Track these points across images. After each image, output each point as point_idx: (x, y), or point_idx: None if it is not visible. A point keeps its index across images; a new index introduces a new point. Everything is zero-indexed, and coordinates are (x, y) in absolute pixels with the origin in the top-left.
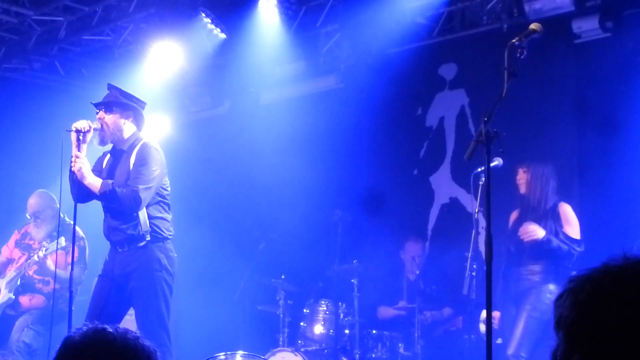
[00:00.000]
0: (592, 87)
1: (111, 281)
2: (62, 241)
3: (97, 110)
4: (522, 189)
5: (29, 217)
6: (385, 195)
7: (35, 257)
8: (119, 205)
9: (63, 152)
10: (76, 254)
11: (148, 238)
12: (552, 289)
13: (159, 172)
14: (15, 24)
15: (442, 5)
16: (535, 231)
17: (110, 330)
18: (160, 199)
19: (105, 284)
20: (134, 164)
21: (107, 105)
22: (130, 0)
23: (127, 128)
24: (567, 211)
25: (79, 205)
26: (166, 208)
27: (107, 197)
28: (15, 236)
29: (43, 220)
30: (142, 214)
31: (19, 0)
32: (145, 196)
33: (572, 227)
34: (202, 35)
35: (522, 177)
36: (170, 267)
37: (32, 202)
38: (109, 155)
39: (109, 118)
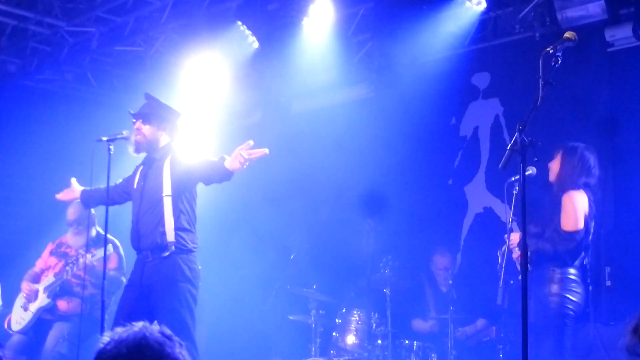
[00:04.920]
0: (626, 95)
1: (137, 292)
2: (110, 248)
3: (134, 120)
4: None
5: (68, 224)
6: (418, 205)
7: (83, 260)
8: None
9: (94, 162)
10: (115, 262)
11: (172, 249)
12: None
13: None
14: (47, 35)
15: (475, 14)
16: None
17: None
18: (189, 210)
19: (132, 294)
20: (171, 171)
21: (145, 117)
22: (162, 11)
23: (163, 138)
24: (565, 201)
25: (112, 217)
26: (193, 220)
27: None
28: (49, 247)
29: (84, 228)
30: (169, 224)
31: (51, 11)
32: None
33: (567, 218)
34: (234, 45)
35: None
36: (193, 279)
37: (72, 210)
38: (142, 167)
39: (146, 129)
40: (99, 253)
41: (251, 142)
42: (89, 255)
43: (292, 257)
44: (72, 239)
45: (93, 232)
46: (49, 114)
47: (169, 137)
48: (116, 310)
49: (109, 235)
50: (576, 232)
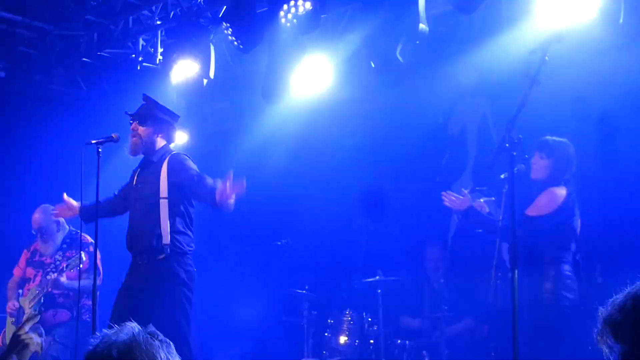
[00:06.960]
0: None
1: (132, 294)
2: (84, 256)
3: (131, 121)
4: (539, 174)
5: (34, 233)
6: (406, 204)
7: (52, 278)
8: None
9: (84, 165)
10: (86, 263)
11: (168, 251)
12: None
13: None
14: (36, 39)
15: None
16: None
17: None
18: (185, 212)
19: (126, 296)
20: (169, 175)
21: (142, 118)
22: (151, 14)
23: (159, 141)
24: (542, 194)
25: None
26: (190, 223)
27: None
28: (25, 255)
29: (50, 235)
30: (165, 227)
31: (40, 15)
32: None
33: (534, 206)
34: (223, 48)
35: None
36: (189, 281)
37: (37, 217)
38: (139, 169)
39: (142, 130)
40: (72, 263)
41: (231, 173)
42: (54, 274)
43: (284, 258)
44: (42, 247)
45: (60, 238)
46: (39, 117)
47: (165, 139)
48: (111, 312)
49: (84, 234)
50: (536, 218)
